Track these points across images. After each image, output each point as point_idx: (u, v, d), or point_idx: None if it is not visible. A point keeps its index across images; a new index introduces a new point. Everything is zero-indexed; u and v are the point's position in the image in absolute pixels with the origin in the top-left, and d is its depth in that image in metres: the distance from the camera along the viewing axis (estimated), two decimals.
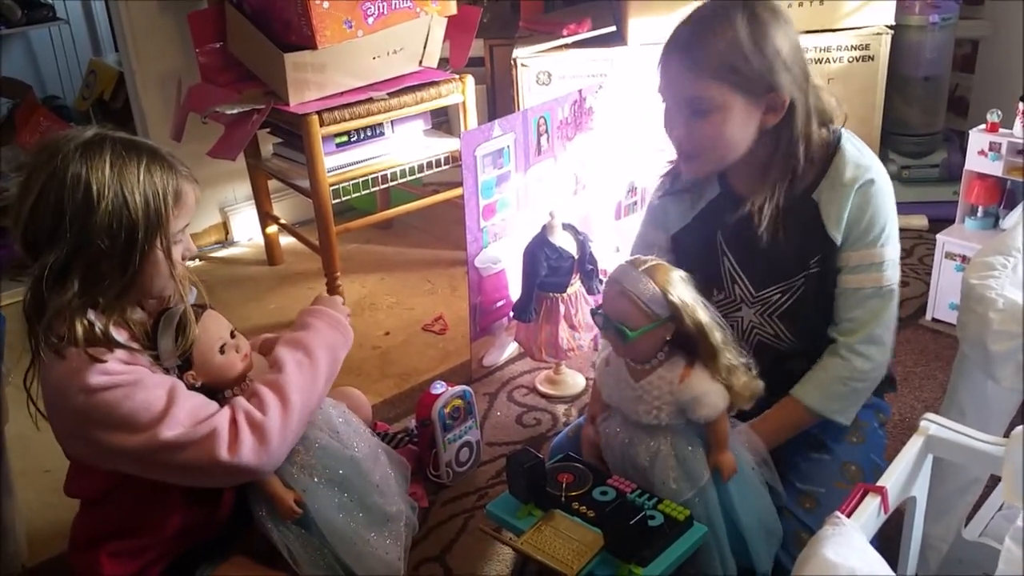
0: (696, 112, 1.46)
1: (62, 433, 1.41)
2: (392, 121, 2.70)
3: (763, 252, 1.55)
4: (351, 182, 2.64)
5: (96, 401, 1.32)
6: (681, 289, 1.41)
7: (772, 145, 1.50)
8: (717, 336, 1.41)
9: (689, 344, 1.44)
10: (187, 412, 1.35)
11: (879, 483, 1.15)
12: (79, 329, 1.33)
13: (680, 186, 1.66)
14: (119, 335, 1.38)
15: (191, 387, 1.45)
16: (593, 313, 1.48)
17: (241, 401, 1.40)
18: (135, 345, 1.39)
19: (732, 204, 1.58)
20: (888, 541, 1.26)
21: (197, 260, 3.18)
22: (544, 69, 2.64)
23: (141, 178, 1.35)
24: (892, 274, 1.53)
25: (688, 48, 1.45)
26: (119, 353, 1.36)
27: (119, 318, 1.40)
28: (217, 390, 1.49)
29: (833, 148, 1.52)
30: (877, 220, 1.50)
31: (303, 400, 1.44)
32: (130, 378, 1.34)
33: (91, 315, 1.35)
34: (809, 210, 1.52)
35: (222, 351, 1.48)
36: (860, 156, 1.52)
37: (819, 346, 1.58)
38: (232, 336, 1.51)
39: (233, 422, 1.37)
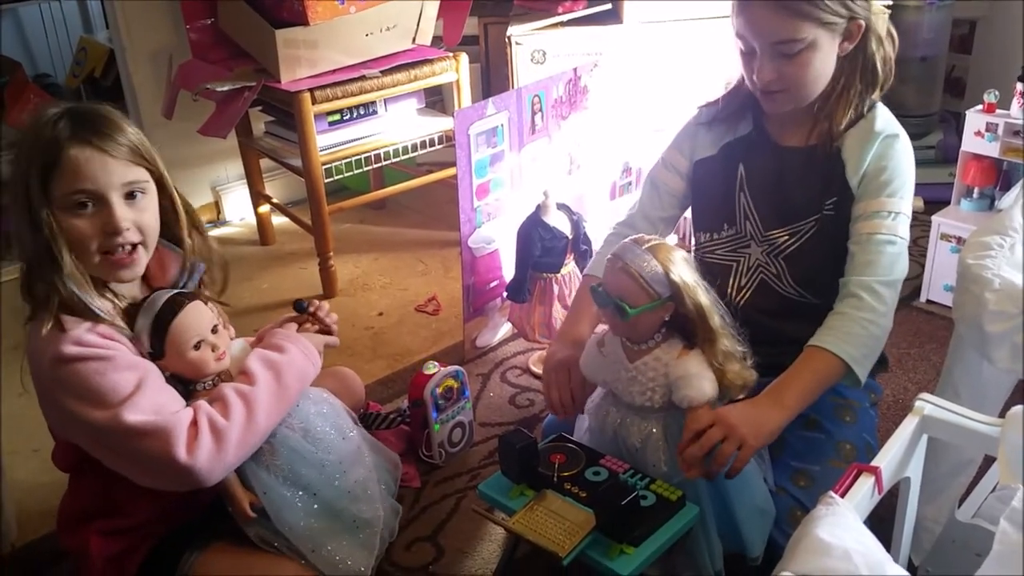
0: (785, 54, 1.49)
1: (39, 398, 1.40)
2: (385, 99, 2.68)
3: (778, 193, 1.61)
4: (344, 161, 2.62)
5: (67, 371, 1.31)
6: (683, 269, 1.40)
7: (849, 69, 1.55)
8: (716, 320, 1.40)
9: (687, 328, 1.43)
10: (152, 402, 1.32)
11: (873, 463, 1.15)
12: (44, 293, 1.32)
13: (719, 115, 1.69)
14: (101, 309, 1.36)
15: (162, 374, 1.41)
16: (592, 289, 1.46)
17: (204, 405, 1.36)
18: (117, 322, 1.38)
19: (761, 143, 1.63)
20: (881, 522, 1.26)
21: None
22: (539, 47, 2.62)
23: (31, 136, 1.32)
24: (904, 230, 1.54)
25: None
26: (99, 327, 1.34)
27: (103, 291, 1.38)
28: (190, 382, 1.46)
29: (870, 105, 1.58)
30: (895, 174, 1.54)
31: (265, 422, 1.40)
32: (104, 353, 1.32)
33: (69, 284, 1.33)
34: (832, 154, 1.56)
35: (197, 347, 1.43)
36: (891, 118, 1.59)
37: (821, 305, 1.57)
38: (214, 331, 1.46)
39: (194, 423, 1.33)
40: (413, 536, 1.77)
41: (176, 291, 1.45)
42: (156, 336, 1.41)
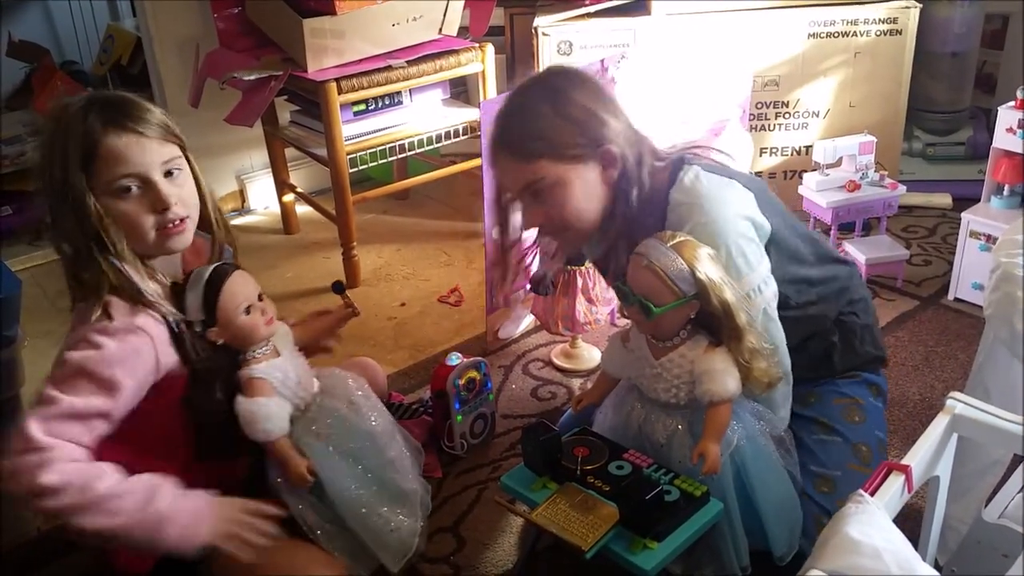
0: (537, 195, 1.50)
1: None
2: (411, 90, 2.68)
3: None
4: (368, 151, 2.62)
5: (77, 344, 1.34)
6: (708, 267, 1.39)
7: (624, 195, 1.51)
8: (742, 317, 1.39)
9: (713, 325, 1.42)
10: (62, 423, 1.31)
11: (904, 462, 1.13)
12: (94, 280, 1.35)
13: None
14: (149, 290, 1.39)
15: (213, 345, 1.45)
16: (617, 287, 1.46)
17: (77, 467, 1.29)
18: (165, 305, 1.40)
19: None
20: (906, 520, 1.25)
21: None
22: (565, 38, 2.61)
23: (61, 128, 1.35)
24: (760, 297, 1.48)
25: (503, 141, 1.51)
26: (139, 318, 1.36)
27: (152, 273, 1.42)
28: (239, 351, 1.49)
29: (665, 195, 1.50)
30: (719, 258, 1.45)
31: (78, 521, 1.30)
32: (108, 356, 1.33)
33: (122, 266, 1.36)
34: None
35: (247, 312, 1.47)
36: (686, 198, 1.49)
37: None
38: (260, 299, 1.50)
39: (74, 470, 1.29)
40: (434, 527, 1.77)
41: (218, 263, 1.50)
42: (207, 304, 1.44)
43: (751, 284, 1.47)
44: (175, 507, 1.34)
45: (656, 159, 1.55)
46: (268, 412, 1.46)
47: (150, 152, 1.38)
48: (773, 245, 1.53)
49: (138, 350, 1.36)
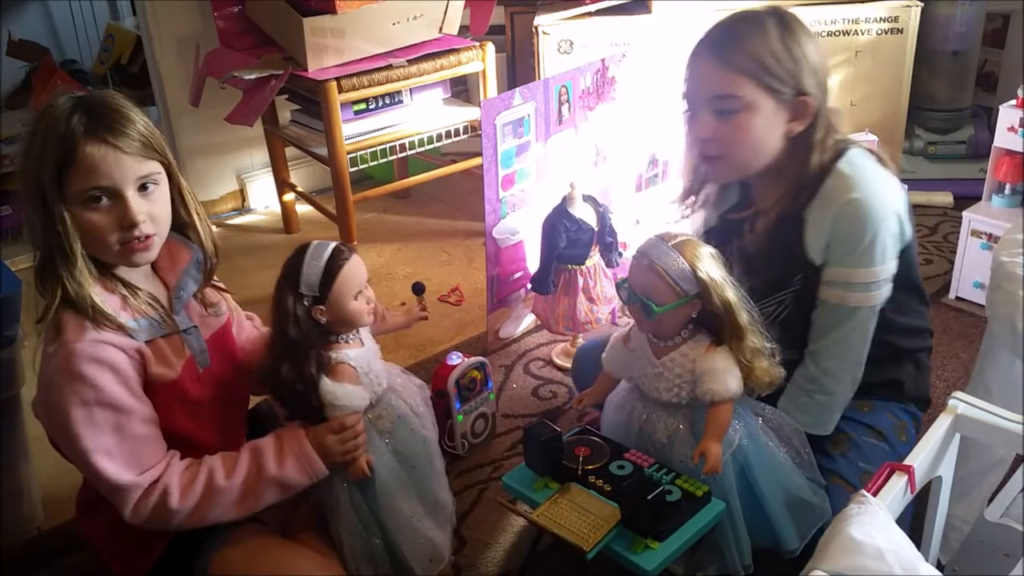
0: (723, 111, 1.47)
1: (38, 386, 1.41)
2: (411, 89, 2.68)
3: (758, 267, 1.56)
4: (369, 150, 2.62)
5: (61, 384, 1.32)
6: (710, 266, 1.39)
7: (793, 155, 1.49)
8: (744, 316, 1.39)
9: (714, 324, 1.42)
10: (126, 452, 1.33)
11: (906, 461, 1.13)
12: (51, 287, 1.34)
13: (696, 204, 1.67)
14: (106, 304, 1.35)
15: (317, 322, 1.43)
16: (618, 286, 1.46)
17: (169, 476, 1.35)
18: (121, 318, 1.37)
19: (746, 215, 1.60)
20: (911, 519, 1.25)
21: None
22: (566, 37, 2.61)
23: (45, 127, 1.33)
24: (878, 293, 1.48)
25: (718, 45, 1.48)
26: (102, 332, 1.33)
27: (113, 283, 1.38)
28: (336, 332, 1.47)
29: (830, 164, 1.49)
30: (861, 238, 1.45)
31: (217, 518, 1.39)
32: (95, 383, 1.31)
33: (79, 278, 1.33)
34: (796, 228, 1.50)
35: (356, 298, 1.46)
36: (853, 172, 1.48)
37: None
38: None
39: (152, 486, 1.34)
40: None
41: (337, 243, 1.48)
42: (325, 282, 1.43)
43: (875, 277, 1.46)
44: (282, 467, 1.41)
45: (836, 134, 1.53)
46: (350, 399, 1.45)
47: (126, 168, 1.34)
48: (904, 258, 1.52)
49: (114, 362, 1.34)
